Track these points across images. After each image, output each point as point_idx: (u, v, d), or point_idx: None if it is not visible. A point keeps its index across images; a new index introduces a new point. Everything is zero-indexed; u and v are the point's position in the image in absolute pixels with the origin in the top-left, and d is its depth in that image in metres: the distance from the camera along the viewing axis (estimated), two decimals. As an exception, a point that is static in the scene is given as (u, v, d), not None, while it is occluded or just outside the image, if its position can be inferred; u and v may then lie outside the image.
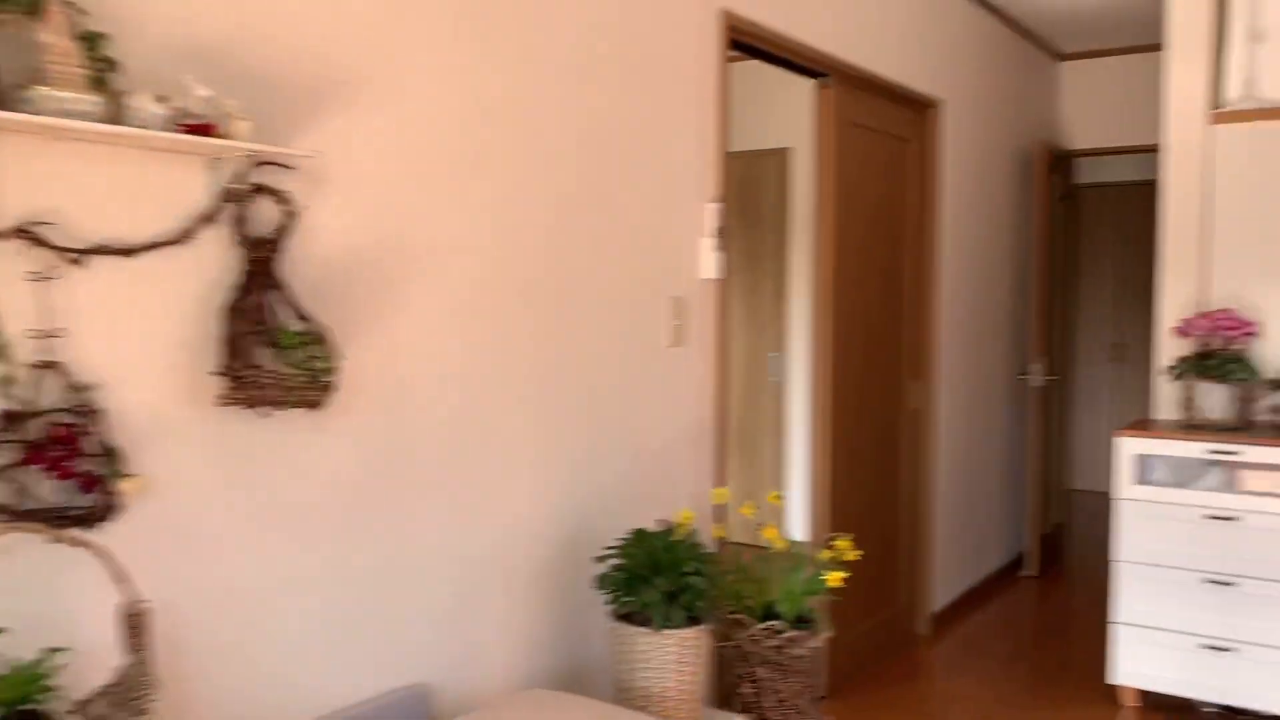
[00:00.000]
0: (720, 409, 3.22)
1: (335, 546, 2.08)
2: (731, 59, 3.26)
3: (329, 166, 2.03)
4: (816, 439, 3.87)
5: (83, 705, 1.54)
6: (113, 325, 1.71)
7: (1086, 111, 6.06)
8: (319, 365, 1.88)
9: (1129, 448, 3.79)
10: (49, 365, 1.62)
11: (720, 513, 3.20)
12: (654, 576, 2.40)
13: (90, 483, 1.64)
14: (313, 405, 1.90)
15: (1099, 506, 7.03)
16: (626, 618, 2.43)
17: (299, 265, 1.98)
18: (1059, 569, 5.78)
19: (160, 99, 1.67)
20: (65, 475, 1.61)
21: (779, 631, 2.68)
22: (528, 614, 2.55)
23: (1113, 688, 3.90)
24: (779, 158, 5.66)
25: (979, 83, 4.99)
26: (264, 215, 1.90)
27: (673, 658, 2.37)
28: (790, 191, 5.67)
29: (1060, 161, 5.80)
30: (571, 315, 2.65)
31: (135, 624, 1.61)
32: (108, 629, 1.69)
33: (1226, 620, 3.62)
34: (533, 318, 2.53)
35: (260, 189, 1.88)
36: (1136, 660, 3.79)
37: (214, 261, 1.84)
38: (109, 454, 1.67)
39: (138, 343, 1.74)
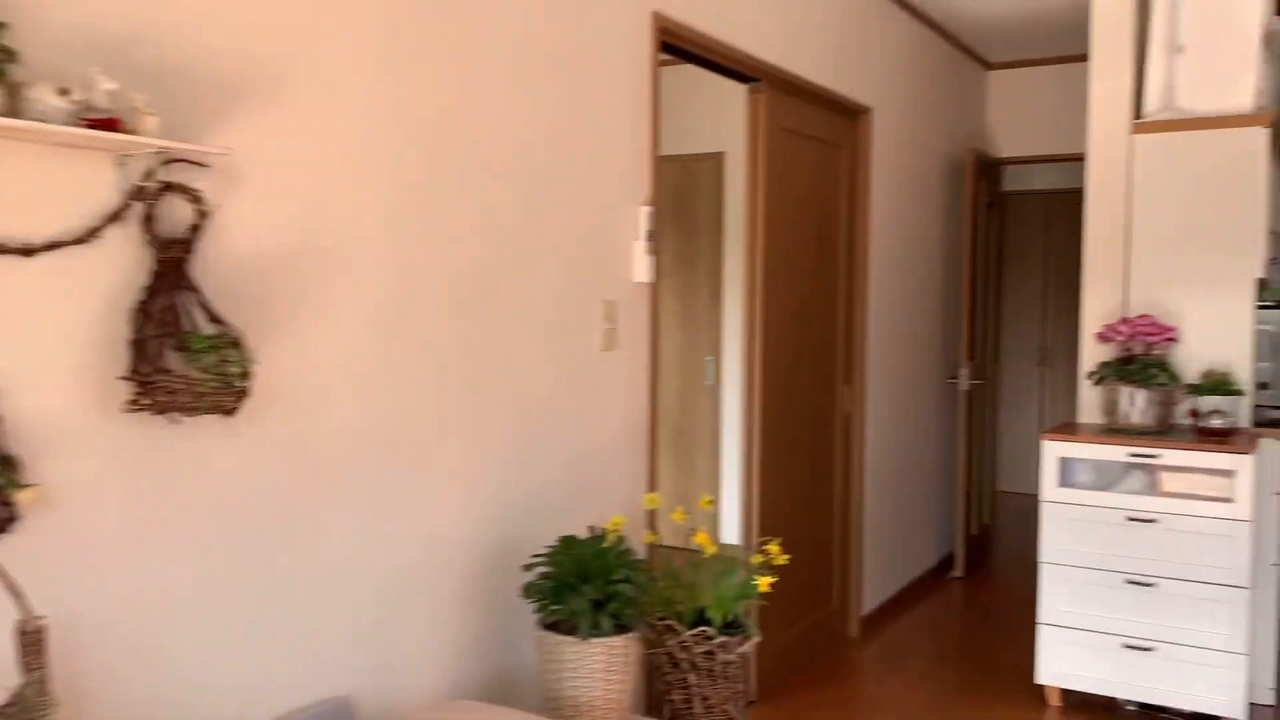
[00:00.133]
0: (653, 414, 3.21)
1: (249, 557, 2.02)
2: (664, 62, 3.24)
3: (245, 165, 1.97)
4: (748, 443, 3.87)
5: (-26, 728, 1.47)
6: (10, 328, 1.63)
7: (1014, 120, 6.17)
8: (232, 370, 1.82)
9: (1054, 451, 3.85)
10: (-60, 370, 1.55)
11: (652, 518, 3.18)
12: (581, 584, 2.37)
13: (-16, 493, 1.56)
14: (226, 411, 1.84)
15: (1027, 508, 7.16)
16: (554, 626, 2.40)
17: (212, 266, 1.91)
18: (986, 570, 5.87)
19: (62, 92, 1.60)
20: (-43, 486, 1.53)
21: (709, 637, 2.67)
22: (454, 624, 2.51)
23: (1040, 688, 3.96)
24: (714, 162, 5.67)
25: (909, 90, 5.04)
26: (175, 214, 1.84)
27: (600, 666, 2.34)
28: (725, 196, 5.68)
29: (989, 169, 5.90)
30: (500, 319, 2.61)
31: (31, 641, 1.53)
32: (2, 647, 1.61)
33: (1147, 620, 3.70)
34: (460, 322, 2.48)
35: (171, 187, 1.81)
36: (1061, 660, 3.85)
37: (122, 262, 1.77)
38: (5, 463, 1.59)
39: (38, 346, 1.66)
